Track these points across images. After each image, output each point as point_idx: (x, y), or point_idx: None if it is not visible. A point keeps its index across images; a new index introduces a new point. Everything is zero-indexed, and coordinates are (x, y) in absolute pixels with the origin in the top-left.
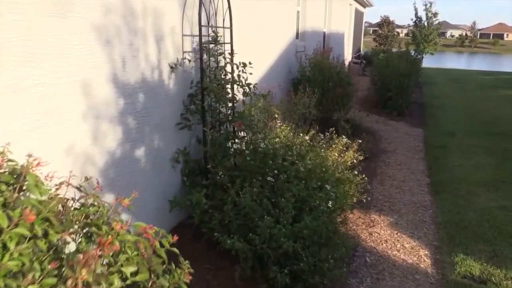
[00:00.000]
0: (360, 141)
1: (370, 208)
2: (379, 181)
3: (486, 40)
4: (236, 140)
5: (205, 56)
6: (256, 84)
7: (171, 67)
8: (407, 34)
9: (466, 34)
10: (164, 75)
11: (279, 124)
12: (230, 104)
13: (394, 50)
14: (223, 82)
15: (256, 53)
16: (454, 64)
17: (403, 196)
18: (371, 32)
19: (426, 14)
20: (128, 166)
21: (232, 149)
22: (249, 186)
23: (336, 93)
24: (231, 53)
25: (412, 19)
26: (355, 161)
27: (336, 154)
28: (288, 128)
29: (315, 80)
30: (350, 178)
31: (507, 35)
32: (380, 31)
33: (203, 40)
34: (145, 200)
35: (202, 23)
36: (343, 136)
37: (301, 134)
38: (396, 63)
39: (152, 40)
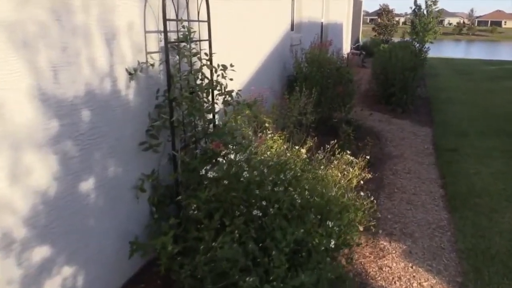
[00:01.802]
0: (367, 156)
1: (379, 232)
2: (387, 195)
3: (484, 27)
4: (217, 160)
5: (177, 58)
6: (240, 90)
7: (130, 73)
8: (404, 23)
9: (463, 22)
10: (119, 84)
11: (270, 135)
12: (210, 116)
13: (394, 39)
14: (197, 89)
15: (243, 51)
16: (454, 53)
17: (415, 214)
18: (368, 21)
19: (426, 2)
20: (69, 206)
21: (210, 175)
22: (228, 227)
23: (336, 92)
24: (209, 53)
25: (411, 7)
26: (361, 182)
27: (338, 173)
28: (282, 139)
29: (313, 77)
30: (357, 205)
31: (505, 22)
32: (379, 20)
33: (172, 38)
34: (98, 244)
35: (170, 17)
36: (347, 151)
37: (296, 147)
38: (400, 56)
39: (99, 40)
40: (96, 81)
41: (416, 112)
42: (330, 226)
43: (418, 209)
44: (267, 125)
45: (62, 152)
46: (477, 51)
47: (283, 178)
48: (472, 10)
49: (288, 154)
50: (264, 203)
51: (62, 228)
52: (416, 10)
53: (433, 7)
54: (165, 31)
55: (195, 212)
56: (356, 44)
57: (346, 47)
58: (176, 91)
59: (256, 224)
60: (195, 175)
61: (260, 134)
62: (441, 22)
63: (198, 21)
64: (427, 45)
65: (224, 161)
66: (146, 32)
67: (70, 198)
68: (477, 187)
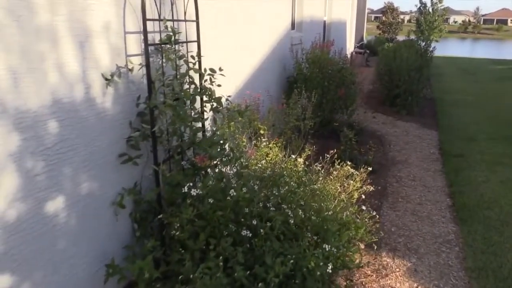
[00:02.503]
0: (369, 167)
1: (381, 246)
2: (390, 205)
3: (490, 26)
4: (204, 173)
5: (162, 61)
6: (229, 96)
7: (106, 79)
8: (409, 21)
9: (469, 20)
10: (93, 91)
11: (264, 142)
12: (198, 124)
13: (398, 38)
14: (182, 95)
15: (238, 52)
16: (459, 51)
17: (420, 226)
18: (372, 19)
19: (431, 0)
20: (34, 229)
21: (193, 193)
22: (213, 251)
23: (337, 95)
24: (198, 55)
25: (416, 5)
26: (363, 196)
27: (338, 186)
28: (278, 146)
29: (313, 79)
30: (358, 223)
31: (511, 20)
32: (384, 18)
33: (157, 40)
34: (70, 268)
35: (152, 17)
36: (347, 162)
37: (293, 156)
38: (405, 56)
39: (69, 43)
40: (66, 89)
41: (421, 115)
42: (328, 249)
43: (423, 221)
44: (262, 132)
45: (24, 170)
46: (482, 50)
47: (276, 193)
48: (477, 8)
49: (284, 165)
50: (254, 222)
51: (25, 254)
52: (421, 8)
53: (439, 5)
54: (145, 32)
55: (177, 233)
56: (360, 43)
57: (350, 46)
58: (160, 98)
59: (246, 246)
60: (179, 190)
61: (255, 141)
62: (447, 20)
63: (185, 20)
64: (433, 44)
65: (211, 174)
66: (125, 33)
67: (35, 220)
68: (487, 197)
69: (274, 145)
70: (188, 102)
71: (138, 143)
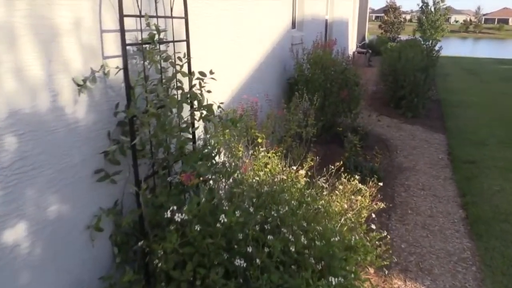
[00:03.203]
0: (380, 183)
1: (391, 266)
2: (399, 217)
3: (491, 25)
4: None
5: (145, 63)
6: (222, 103)
7: (78, 85)
8: (410, 20)
9: (470, 20)
10: (63, 98)
11: (262, 153)
12: (189, 135)
13: (401, 37)
14: (168, 102)
15: (234, 53)
16: (461, 51)
17: (433, 242)
18: (373, 19)
19: None
20: None
21: (177, 218)
22: (201, 286)
23: (340, 97)
24: (187, 55)
25: (418, 4)
26: (373, 215)
27: (345, 204)
28: (278, 155)
29: (315, 80)
30: (367, 247)
31: None
32: (386, 17)
33: (137, 38)
34: None
35: (130, 12)
36: (355, 176)
37: (294, 167)
38: (410, 56)
39: (30, 43)
40: (26, 98)
41: (427, 117)
42: (334, 283)
43: (436, 236)
44: (259, 140)
45: None
46: (484, 49)
47: (275, 214)
48: (479, 8)
49: (284, 177)
50: (249, 249)
51: None
52: (423, 7)
53: (441, 4)
54: (122, 30)
55: (160, 264)
56: (362, 43)
57: (352, 46)
58: (141, 105)
59: (240, 278)
60: (163, 212)
61: (252, 151)
62: (448, 19)
63: (172, 17)
64: (439, 44)
65: (201, 192)
66: (102, 31)
67: None
68: (503, 209)
69: (274, 154)
70: (175, 110)
71: (116, 158)
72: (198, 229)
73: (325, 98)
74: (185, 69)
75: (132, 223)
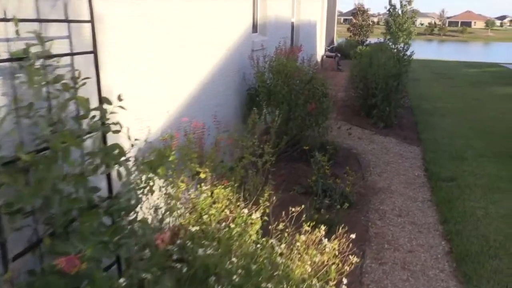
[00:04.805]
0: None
1: None
2: (375, 254)
3: (455, 28)
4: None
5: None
6: (136, 140)
7: None
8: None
9: (435, 23)
10: None
11: (205, 192)
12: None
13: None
14: (52, 142)
15: (175, 64)
16: (427, 54)
17: (415, 287)
18: (342, 21)
19: (400, 2)
20: None
21: None
22: None
23: (307, 110)
24: (96, 71)
25: (385, 7)
26: (344, 280)
27: (308, 266)
28: (228, 191)
29: (278, 92)
30: None
31: (475, 23)
32: (354, 20)
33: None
34: None
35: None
36: (320, 227)
37: (246, 210)
38: (382, 61)
39: None
40: None
41: (400, 126)
42: None
43: (418, 279)
44: (202, 176)
45: None
46: (449, 52)
47: None
48: (443, 11)
49: (232, 226)
50: None
51: None
52: (390, 10)
53: (408, 7)
54: None
55: None
56: (331, 46)
57: (321, 50)
58: (10, 147)
59: None
60: None
61: (193, 190)
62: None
63: (68, 21)
64: (411, 48)
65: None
66: None
67: None
68: (491, 240)
69: (222, 189)
70: (63, 152)
71: None
72: None
73: (290, 111)
74: (93, 90)
75: None
